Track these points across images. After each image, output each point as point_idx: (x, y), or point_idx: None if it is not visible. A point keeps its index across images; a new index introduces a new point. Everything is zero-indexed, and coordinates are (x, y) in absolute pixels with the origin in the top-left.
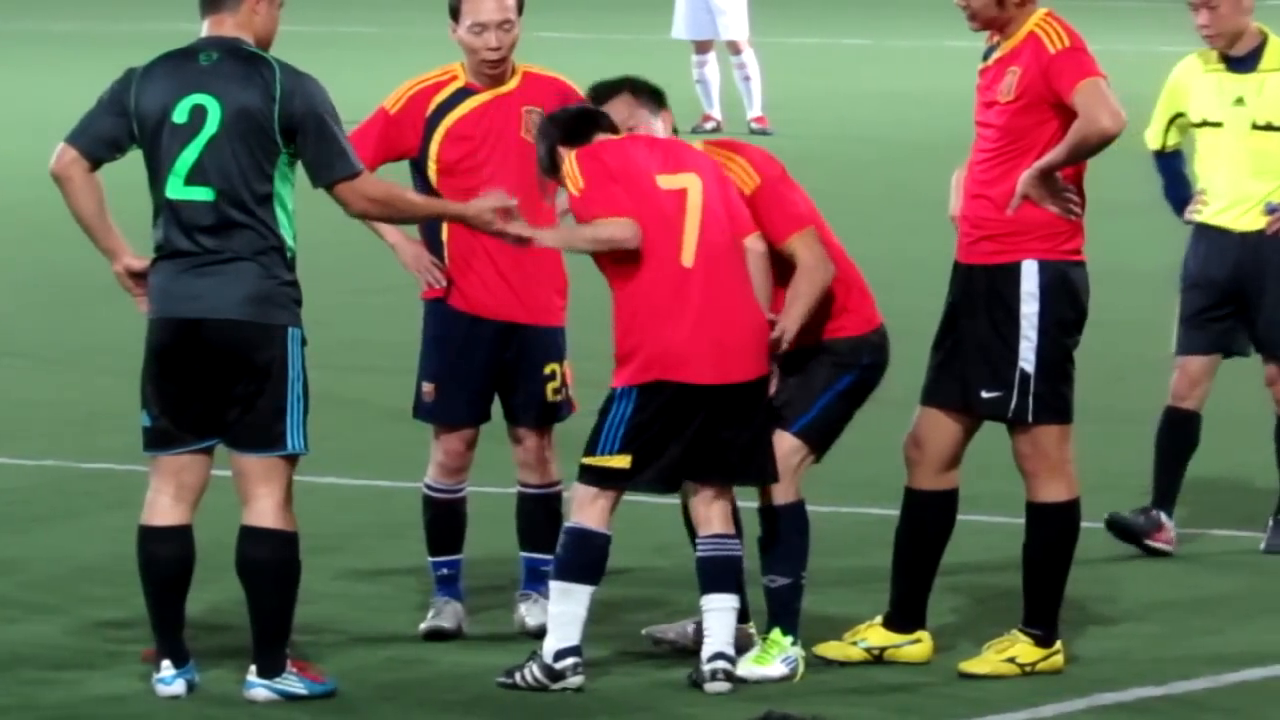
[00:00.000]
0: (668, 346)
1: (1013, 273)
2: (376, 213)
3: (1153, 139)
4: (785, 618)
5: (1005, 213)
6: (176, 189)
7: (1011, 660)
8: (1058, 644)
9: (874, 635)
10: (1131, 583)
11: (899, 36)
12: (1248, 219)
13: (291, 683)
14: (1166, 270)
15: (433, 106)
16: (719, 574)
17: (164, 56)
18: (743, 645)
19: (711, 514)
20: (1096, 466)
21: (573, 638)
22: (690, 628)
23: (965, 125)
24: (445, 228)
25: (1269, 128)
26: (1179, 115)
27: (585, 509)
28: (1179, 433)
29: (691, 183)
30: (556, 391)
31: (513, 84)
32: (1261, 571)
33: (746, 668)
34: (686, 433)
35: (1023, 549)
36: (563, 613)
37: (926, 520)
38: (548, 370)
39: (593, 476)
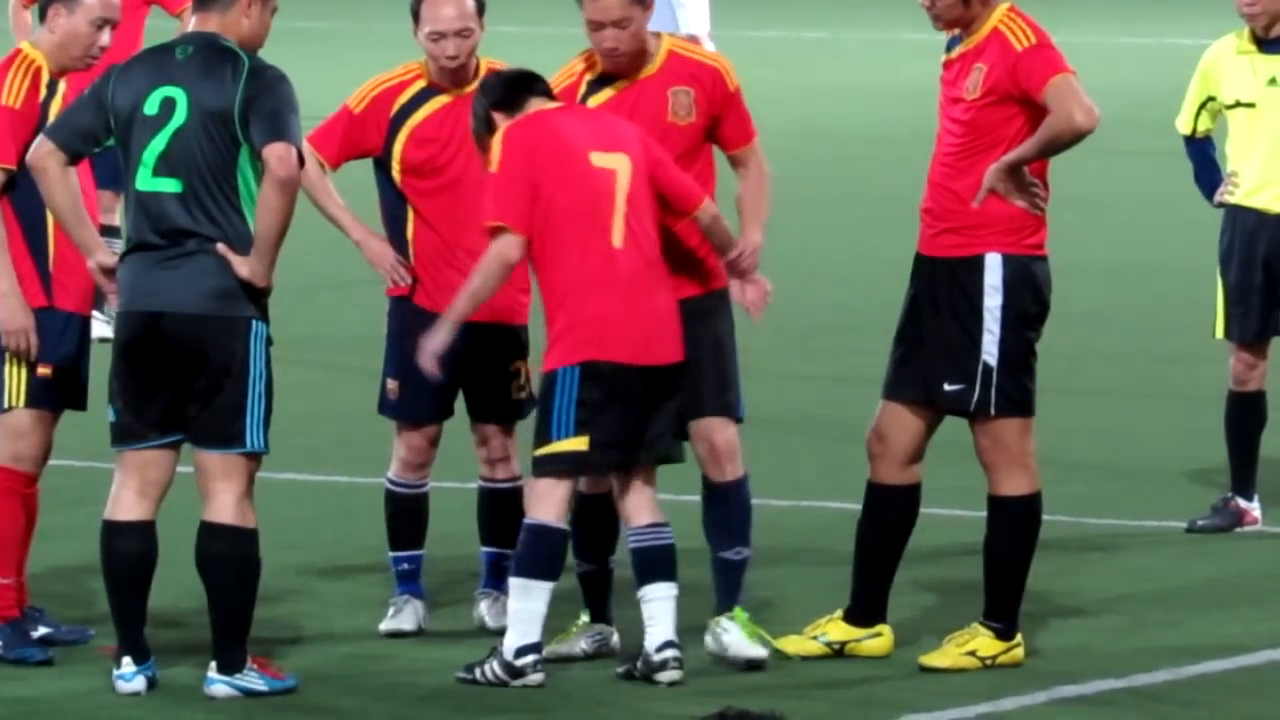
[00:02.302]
0: (601, 326)
1: (976, 266)
2: (294, 189)
3: (1183, 124)
4: (738, 593)
5: (971, 206)
6: (145, 180)
7: (972, 653)
8: (1018, 637)
9: (834, 630)
10: (1092, 576)
11: (857, 29)
12: None
13: (252, 679)
14: (1123, 264)
15: (397, 106)
16: (657, 563)
17: (145, 51)
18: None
19: (642, 503)
20: (1058, 459)
21: (533, 635)
22: (583, 643)
23: (924, 118)
24: (410, 225)
25: None
26: (1210, 99)
27: (543, 503)
28: (1247, 414)
29: (620, 164)
30: (521, 389)
31: (476, 83)
32: (1222, 563)
33: (745, 647)
34: (633, 409)
35: (984, 543)
36: (522, 609)
37: (889, 514)
38: (512, 368)
39: (550, 465)
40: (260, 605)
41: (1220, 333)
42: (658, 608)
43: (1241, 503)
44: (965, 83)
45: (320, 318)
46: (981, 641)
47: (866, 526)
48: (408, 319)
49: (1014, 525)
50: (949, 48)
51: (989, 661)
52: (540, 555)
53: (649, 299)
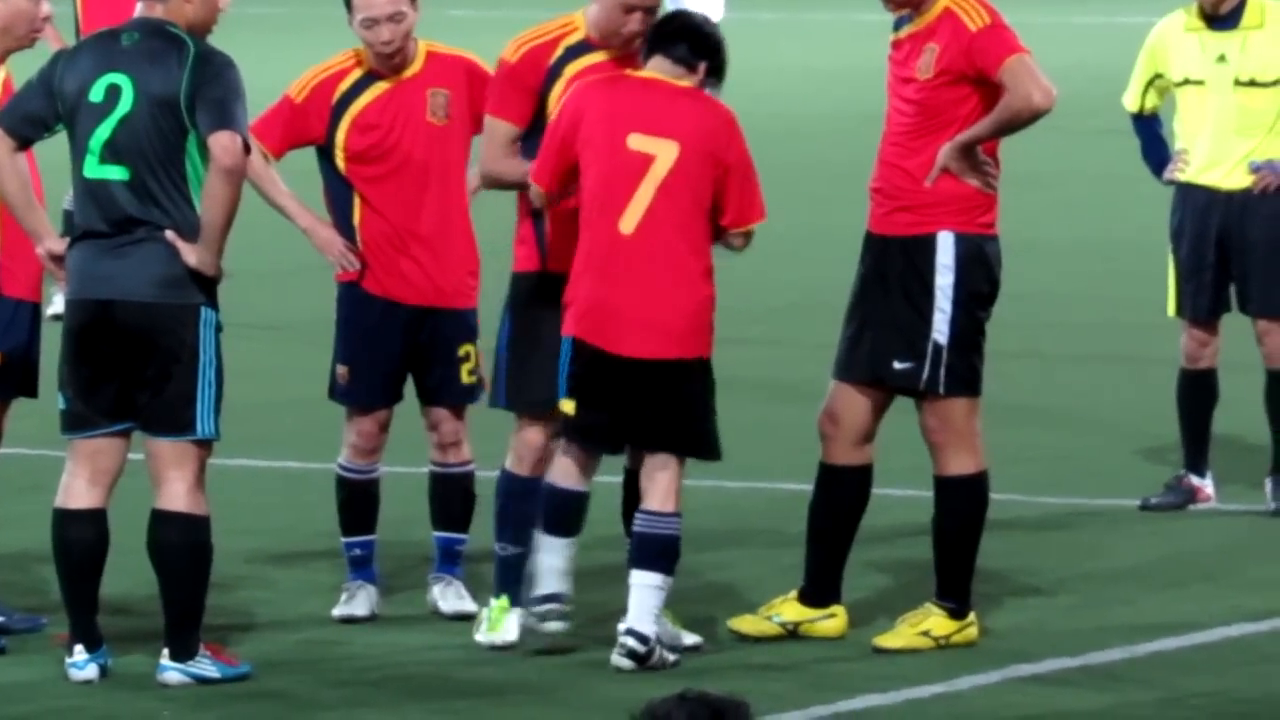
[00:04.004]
0: (588, 308)
1: (929, 244)
2: (239, 178)
3: (1131, 101)
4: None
5: (923, 185)
6: (92, 168)
7: (926, 634)
8: (971, 616)
9: (789, 610)
10: (1046, 554)
11: (811, 10)
12: (1234, 177)
13: (205, 666)
14: (1076, 242)
15: (338, 95)
16: (645, 550)
17: (92, 36)
18: None
19: (651, 487)
20: (1012, 438)
21: (550, 586)
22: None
23: (877, 99)
24: (357, 212)
25: (1252, 84)
26: (1158, 76)
27: (555, 462)
28: (1199, 392)
29: (664, 150)
30: (471, 373)
31: (416, 67)
32: (1176, 541)
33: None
34: (611, 397)
35: (932, 522)
36: (539, 562)
37: (841, 495)
38: (462, 352)
39: (560, 425)
40: (213, 592)
41: (1172, 310)
42: (634, 594)
43: (1195, 480)
44: (917, 63)
45: (272, 303)
46: (935, 621)
47: (819, 507)
48: (357, 305)
49: (962, 505)
50: (897, 27)
51: (942, 641)
52: (548, 512)
53: (652, 291)
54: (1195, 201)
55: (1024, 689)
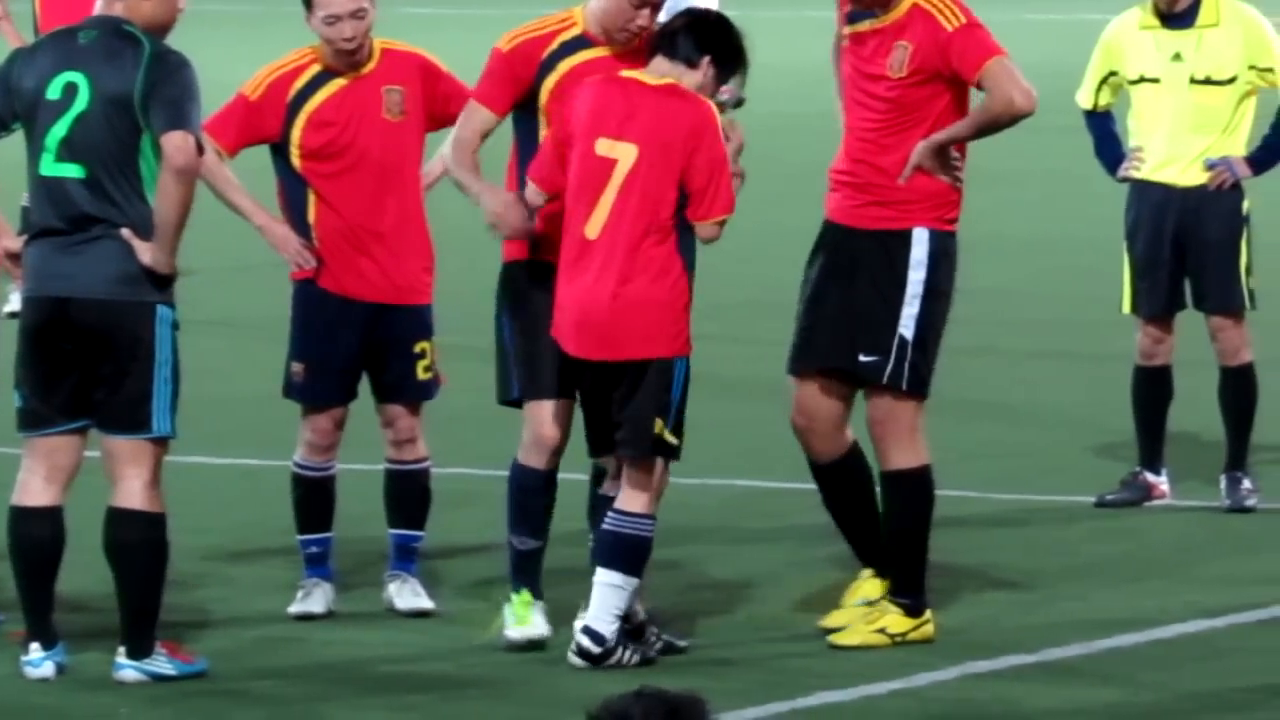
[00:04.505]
0: (560, 309)
1: (905, 239)
2: (191, 178)
3: (1084, 98)
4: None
5: (897, 182)
6: (48, 165)
7: (882, 631)
8: (927, 613)
9: (870, 588)
10: (1002, 551)
11: (761, 7)
12: (1189, 174)
13: (161, 664)
14: (1032, 238)
15: (293, 92)
16: (607, 549)
17: (51, 34)
18: None
19: (623, 486)
20: (968, 434)
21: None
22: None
23: (830, 96)
24: (312, 209)
25: (1208, 82)
26: (1112, 74)
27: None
28: (1155, 389)
29: (625, 154)
30: (427, 369)
31: (371, 64)
32: (1131, 538)
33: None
34: (582, 396)
35: (883, 520)
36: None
37: (843, 483)
38: (418, 349)
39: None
40: (169, 590)
41: (1128, 307)
42: (593, 592)
43: (1150, 477)
44: (888, 60)
45: (228, 300)
46: (891, 619)
47: (831, 503)
48: (313, 302)
49: (911, 498)
50: (854, 20)
51: (899, 638)
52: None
53: (607, 294)
54: (1151, 199)
55: (981, 685)
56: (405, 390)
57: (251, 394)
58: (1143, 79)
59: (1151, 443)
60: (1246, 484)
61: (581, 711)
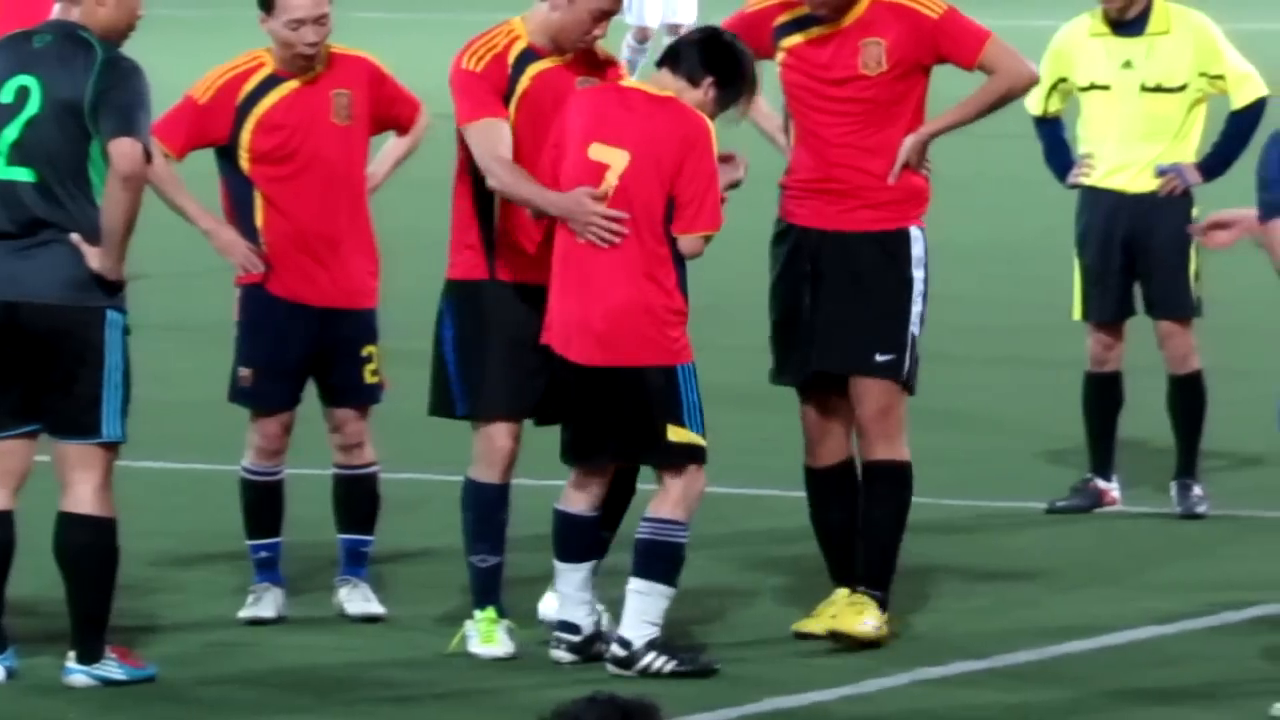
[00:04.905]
0: (552, 313)
1: (903, 239)
2: (138, 185)
3: (1034, 105)
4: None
5: (888, 181)
6: (1, 169)
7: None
8: (886, 615)
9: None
10: (953, 557)
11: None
12: (1140, 181)
13: (111, 669)
14: (983, 245)
15: (243, 95)
16: (636, 556)
17: (6, 37)
18: None
19: (657, 494)
20: (918, 441)
21: (564, 613)
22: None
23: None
24: (260, 213)
25: (1158, 89)
26: (1062, 81)
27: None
28: (1105, 395)
29: (616, 160)
30: (374, 373)
31: (321, 68)
32: (1082, 544)
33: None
34: (572, 402)
35: (863, 513)
36: (557, 588)
37: (837, 493)
38: (365, 352)
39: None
40: (120, 594)
41: (1078, 314)
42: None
43: (1101, 483)
44: (860, 59)
45: (179, 305)
46: (873, 611)
47: (821, 510)
48: (261, 307)
49: (896, 491)
50: (802, 28)
51: (879, 629)
52: (553, 537)
53: (599, 300)
54: (1101, 205)
55: (931, 691)
56: (353, 394)
57: (202, 399)
58: (1093, 86)
59: (1102, 449)
60: (1197, 490)
61: (534, 717)
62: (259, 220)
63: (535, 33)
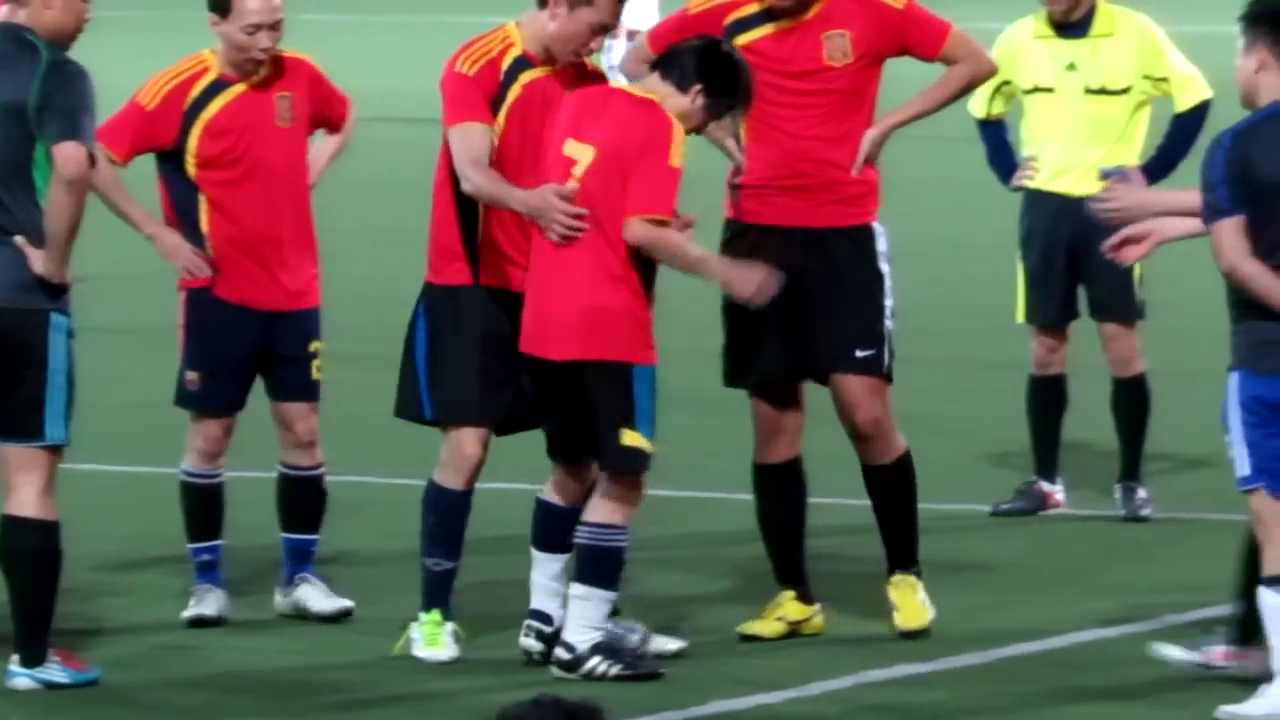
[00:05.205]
0: (526, 314)
1: (869, 233)
2: (82, 189)
3: (978, 107)
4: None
5: (851, 174)
6: None
7: (923, 602)
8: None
9: (791, 610)
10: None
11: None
12: (1083, 184)
13: (54, 672)
14: (926, 246)
15: (189, 101)
16: (577, 562)
17: None
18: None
19: (594, 496)
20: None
21: (536, 602)
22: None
23: None
24: (205, 217)
25: (1102, 92)
26: (1006, 83)
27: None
28: (1049, 398)
29: (584, 155)
30: (319, 369)
31: (265, 71)
32: (1026, 547)
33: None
34: (547, 402)
35: (881, 506)
36: (532, 577)
37: (787, 492)
38: (312, 348)
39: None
40: (63, 597)
41: (1022, 317)
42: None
43: (1045, 486)
44: (825, 51)
45: (122, 308)
46: (918, 586)
47: (771, 509)
48: (208, 310)
49: (910, 477)
50: (759, 23)
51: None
52: (532, 525)
53: (563, 294)
54: (1045, 208)
55: (876, 694)
56: (304, 389)
57: (145, 401)
58: (1037, 88)
59: (1046, 452)
60: (1141, 493)
61: None
62: (204, 224)
63: (530, 40)
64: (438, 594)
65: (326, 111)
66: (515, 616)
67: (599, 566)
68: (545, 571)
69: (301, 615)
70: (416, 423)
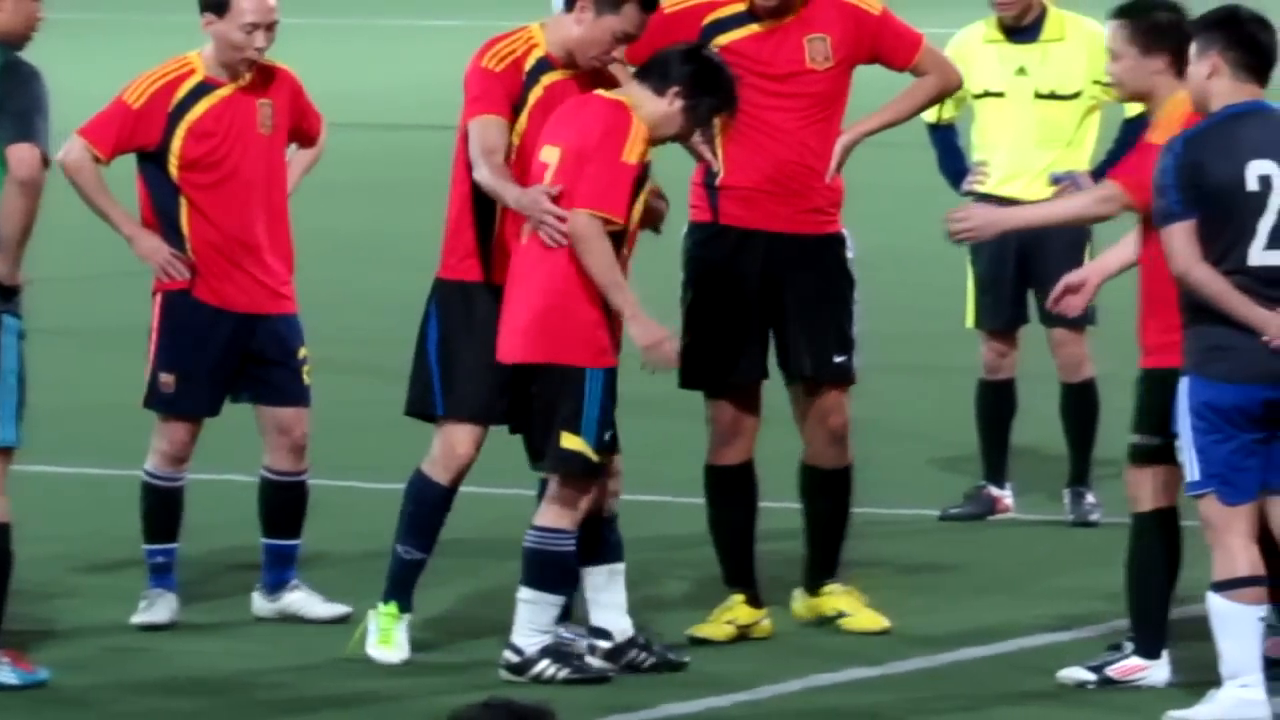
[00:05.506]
0: (502, 315)
1: (840, 240)
2: (34, 191)
3: (928, 112)
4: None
5: (825, 181)
6: None
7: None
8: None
9: (741, 614)
10: (845, 564)
11: None
12: (1034, 189)
13: (3, 673)
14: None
15: (174, 102)
16: (524, 565)
17: None
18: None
19: (543, 501)
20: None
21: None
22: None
23: None
24: (185, 219)
25: (1052, 96)
26: None
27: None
28: (998, 403)
29: (550, 158)
30: (309, 373)
31: (249, 77)
32: (975, 551)
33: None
34: (515, 400)
35: (818, 514)
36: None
37: (741, 494)
38: (301, 354)
39: None
40: (13, 599)
41: (971, 322)
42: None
43: (994, 491)
44: (806, 54)
45: (72, 309)
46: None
47: (724, 510)
48: (186, 312)
49: (852, 483)
50: (740, 24)
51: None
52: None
53: (526, 296)
54: None
55: (824, 697)
56: (298, 394)
57: (96, 403)
58: (987, 93)
59: (995, 456)
60: (1090, 498)
61: None
62: (184, 225)
63: (554, 43)
64: (401, 585)
65: (303, 125)
66: (469, 619)
67: (544, 571)
68: (590, 585)
69: (292, 620)
70: (427, 420)
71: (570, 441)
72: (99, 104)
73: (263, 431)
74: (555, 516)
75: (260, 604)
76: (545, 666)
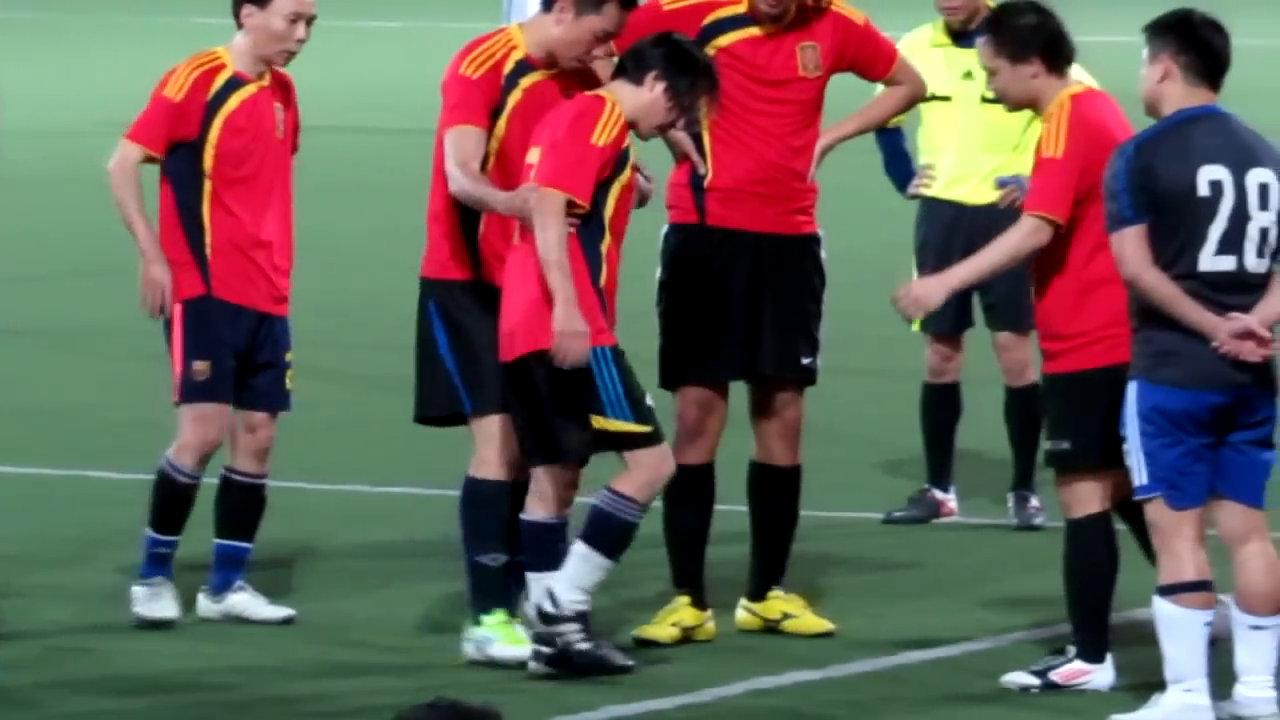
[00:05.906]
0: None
1: (817, 242)
2: None
3: None
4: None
5: (807, 183)
6: None
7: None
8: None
9: (687, 616)
10: (789, 567)
11: None
12: (979, 193)
13: None
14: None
15: (211, 93)
16: (588, 522)
17: None
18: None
19: (621, 475)
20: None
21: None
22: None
23: None
24: (207, 213)
25: (998, 101)
26: None
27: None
28: (943, 406)
29: (534, 159)
30: (292, 378)
31: (268, 79)
32: (919, 555)
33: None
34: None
35: (765, 518)
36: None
37: (700, 497)
38: (289, 358)
39: None
40: None
41: (916, 325)
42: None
43: (938, 494)
44: (798, 61)
45: (14, 311)
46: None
47: (681, 512)
48: (210, 311)
49: (797, 490)
50: (738, 27)
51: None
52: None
53: (523, 293)
54: (941, 216)
55: (766, 699)
56: (278, 399)
57: (39, 403)
58: (933, 97)
59: (940, 460)
60: (1034, 502)
61: None
62: (206, 219)
63: (533, 44)
64: (495, 591)
65: (294, 139)
66: (410, 620)
67: (606, 534)
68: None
69: (236, 621)
70: (447, 424)
71: (602, 423)
72: (43, 105)
73: (231, 430)
74: (633, 486)
75: (205, 605)
76: (572, 630)
